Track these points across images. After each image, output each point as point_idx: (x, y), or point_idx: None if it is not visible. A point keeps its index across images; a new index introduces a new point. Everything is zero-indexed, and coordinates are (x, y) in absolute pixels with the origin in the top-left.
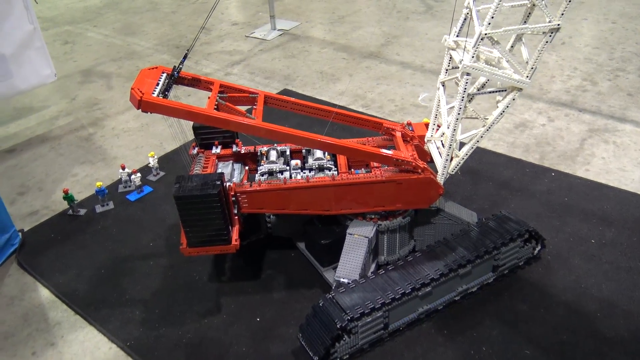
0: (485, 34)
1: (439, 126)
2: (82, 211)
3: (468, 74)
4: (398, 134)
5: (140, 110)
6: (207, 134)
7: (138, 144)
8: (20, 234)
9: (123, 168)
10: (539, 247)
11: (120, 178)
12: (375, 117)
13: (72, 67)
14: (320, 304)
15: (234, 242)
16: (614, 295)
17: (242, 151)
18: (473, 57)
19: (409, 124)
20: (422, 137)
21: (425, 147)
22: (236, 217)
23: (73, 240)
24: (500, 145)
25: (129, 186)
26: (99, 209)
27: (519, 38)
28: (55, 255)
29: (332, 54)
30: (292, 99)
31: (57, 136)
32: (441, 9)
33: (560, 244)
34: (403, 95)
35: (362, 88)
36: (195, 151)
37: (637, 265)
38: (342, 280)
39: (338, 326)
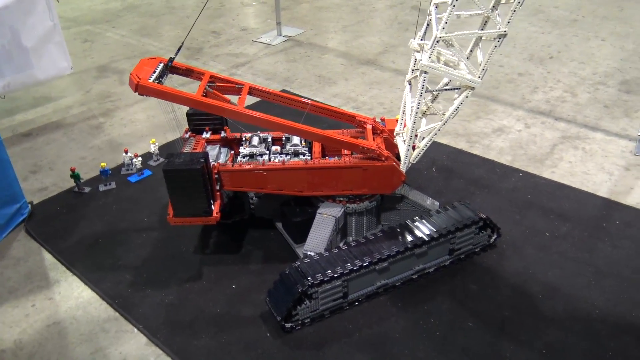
0: (440, 37)
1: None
2: (87, 189)
3: (425, 73)
4: (369, 127)
5: (137, 93)
6: (199, 120)
7: (143, 133)
8: (29, 205)
9: (126, 152)
10: (495, 236)
11: (123, 161)
12: (349, 111)
13: (89, 63)
14: (287, 271)
15: (214, 215)
16: (558, 280)
17: (229, 137)
18: (430, 57)
19: (382, 120)
20: (392, 131)
21: (395, 140)
22: (218, 193)
23: (76, 213)
24: (476, 147)
25: (131, 169)
26: (102, 187)
27: (477, 43)
28: (60, 225)
29: (331, 60)
30: (274, 91)
31: (71, 123)
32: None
33: (517, 235)
34: (392, 100)
35: (355, 91)
36: (187, 135)
37: (584, 255)
38: (308, 253)
39: (299, 290)
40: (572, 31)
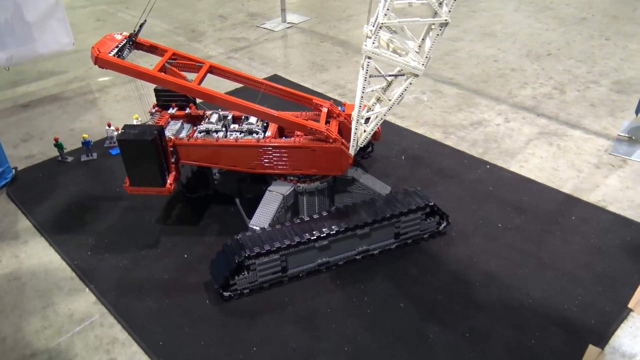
0: (382, 23)
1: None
2: (70, 158)
3: (369, 58)
4: (324, 110)
5: (97, 65)
6: (166, 96)
7: (134, 110)
8: (14, 170)
9: (109, 125)
10: (445, 224)
11: (107, 134)
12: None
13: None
14: (228, 243)
15: (167, 186)
16: (499, 270)
17: (193, 113)
18: (374, 43)
19: (344, 104)
20: (350, 115)
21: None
22: (173, 165)
23: (55, 180)
24: (450, 139)
25: (113, 142)
26: (83, 157)
27: (427, 32)
28: (38, 191)
29: (328, 48)
30: (234, 71)
31: (67, 97)
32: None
33: (469, 225)
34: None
35: (345, 79)
36: (154, 110)
37: (531, 248)
38: (254, 227)
39: (236, 260)
40: (578, 29)
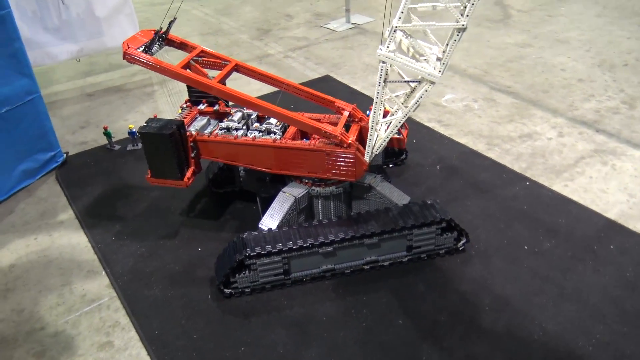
0: (396, 27)
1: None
2: (117, 147)
3: (383, 62)
4: (345, 114)
5: (125, 60)
6: (198, 92)
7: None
8: (65, 155)
9: (155, 117)
10: (464, 240)
11: None
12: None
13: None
14: (234, 241)
15: (185, 180)
16: (514, 296)
17: (221, 110)
18: (388, 47)
19: (370, 109)
20: None
21: None
22: (192, 160)
23: (100, 167)
24: (494, 151)
25: None
26: (129, 147)
27: (451, 36)
28: (82, 176)
29: None
30: (259, 70)
31: (129, 89)
32: (518, 20)
33: (492, 244)
34: (429, 94)
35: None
36: (185, 105)
37: (555, 275)
38: (262, 227)
39: (237, 259)
40: None
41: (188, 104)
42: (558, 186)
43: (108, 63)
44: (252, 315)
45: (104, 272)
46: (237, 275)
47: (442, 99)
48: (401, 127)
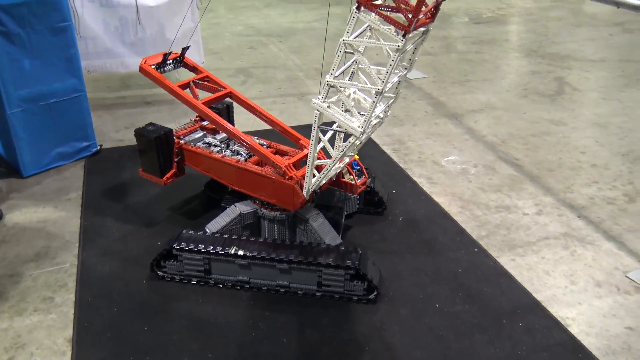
0: (328, 82)
1: None
2: None
3: (317, 111)
4: (305, 151)
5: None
6: None
7: None
8: (99, 147)
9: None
10: (375, 293)
11: None
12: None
13: (236, 64)
14: (178, 233)
15: (164, 179)
16: (399, 345)
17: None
18: (322, 99)
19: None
20: None
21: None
22: (175, 164)
23: (124, 164)
24: (462, 214)
25: None
26: None
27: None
28: (105, 167)
29: (420, 106)
30: (248, 100)
31: (179, 103)
32: (568, 98)
33: (406, 297)
34: (424, 151)
35: (412, 138)
36: (194, 118)
37: (449, 336)
38: (207, 229)
39: (166, 247)
40: None
41: (197, 118)
42: (504, 259)
43: (175, 78)
44: (165, 301)
45: (78, 244)
46: (166, 261)
47: (444, 158)
48: (360, 173)
